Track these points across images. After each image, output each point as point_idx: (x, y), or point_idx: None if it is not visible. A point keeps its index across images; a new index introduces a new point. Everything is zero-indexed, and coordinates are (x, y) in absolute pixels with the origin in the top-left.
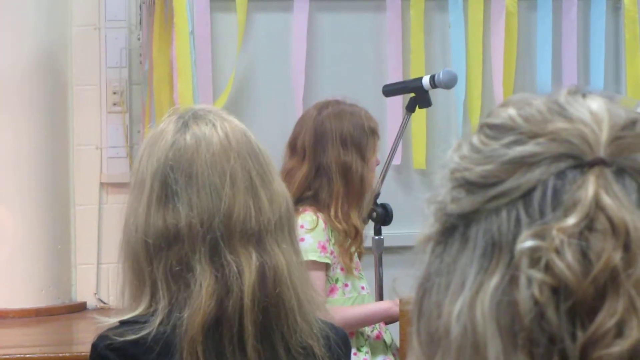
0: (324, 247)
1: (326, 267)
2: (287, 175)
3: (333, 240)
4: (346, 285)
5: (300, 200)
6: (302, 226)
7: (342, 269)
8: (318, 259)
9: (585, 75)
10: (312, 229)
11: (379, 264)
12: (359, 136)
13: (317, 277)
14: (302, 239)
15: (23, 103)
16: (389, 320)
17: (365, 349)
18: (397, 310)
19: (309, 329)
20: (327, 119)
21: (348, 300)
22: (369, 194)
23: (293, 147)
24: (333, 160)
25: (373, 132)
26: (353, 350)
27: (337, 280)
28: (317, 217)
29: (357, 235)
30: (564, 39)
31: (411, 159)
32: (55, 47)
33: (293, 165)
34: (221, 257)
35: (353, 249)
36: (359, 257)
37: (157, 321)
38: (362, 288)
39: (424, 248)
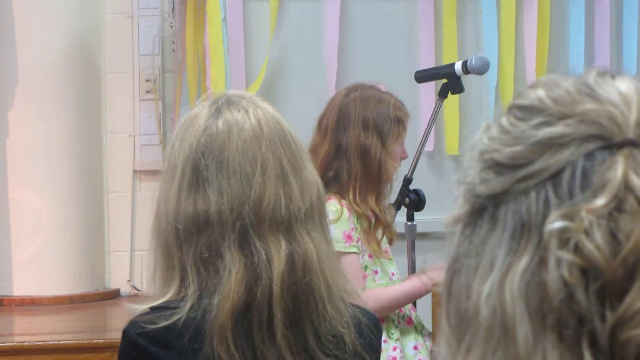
0: (349, 237)
1: (356, 254)
2: (312, 152)
3: (359, 228)
4: (376, 272)
5: (323, 183)
6: None
7: (369, 256)
8: (343, 249)
9: (618, 60)
10: (337, 219)
11: (412, 249)
12: (381, 122)
13: (348, 265)
14: None
15: (56, 91)
16: (418, 297)
17: (395, 336)
18: (423, 286)
19: (339, 317)
20: (353, 101)
21: (379, 287)
22: (389, 182)
23: (319, 123)
24: (352, 142)
25: (398, 122)
26: (383, 337)
27: (365, 267)
28: (342, 206)
29: (377, 219)
30: (596, 24)
31: (444, 145)
32: (88, 35)
33: (317, 142)
34: (250, 245)
35: (380, 233)
36: (390, 242)
37: (187, 307)
38: (392, 274)
39: (453, 229)
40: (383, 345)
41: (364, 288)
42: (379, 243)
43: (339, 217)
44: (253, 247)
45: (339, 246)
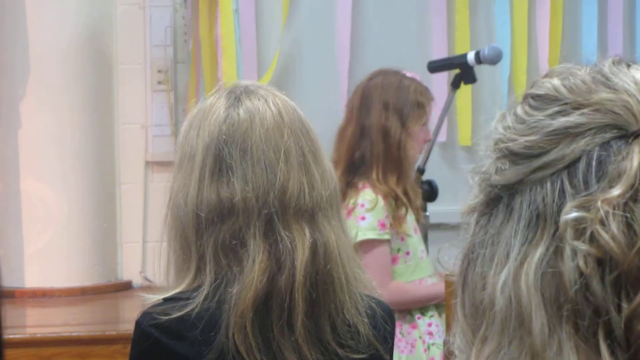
0: (383, 225)
1: (388, 242)
2: (341, 134)
3: (391, 213)
4: (407, 253)
5: (353, 168)
6: (362, 205)
7: (402, 239)
8: (378, 237)
9: (631, 49)
10: (372, 208)
11: (425, 240)
12: (401, 105)
13: (380, 253)
14: (363, 218)
15: (68, 82)
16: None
17: (430, 313)
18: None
19: (354, 307)
20: (375, 85)
21: (409, 268)
22: (410, 162)
23: (347, 108)
24: (375, 123)
25: (419, 105)
26: (417, 315)
27: (398, 249)
28: (377, 195)
29: (397, 198)
30: (609, 13)
31: (457, 135)
32: (100, 26)
33: (344, 125)
34: (275, 233)
35: (404, 211)
36: (417, 221)
37: (202, 297)
38: (422, 251)
39: (468, 219)
40: (418, 321)
41: (390, 278)
42: (402, 219)
43: (375, 205)
44: (278, 235)
45: (374, 233)
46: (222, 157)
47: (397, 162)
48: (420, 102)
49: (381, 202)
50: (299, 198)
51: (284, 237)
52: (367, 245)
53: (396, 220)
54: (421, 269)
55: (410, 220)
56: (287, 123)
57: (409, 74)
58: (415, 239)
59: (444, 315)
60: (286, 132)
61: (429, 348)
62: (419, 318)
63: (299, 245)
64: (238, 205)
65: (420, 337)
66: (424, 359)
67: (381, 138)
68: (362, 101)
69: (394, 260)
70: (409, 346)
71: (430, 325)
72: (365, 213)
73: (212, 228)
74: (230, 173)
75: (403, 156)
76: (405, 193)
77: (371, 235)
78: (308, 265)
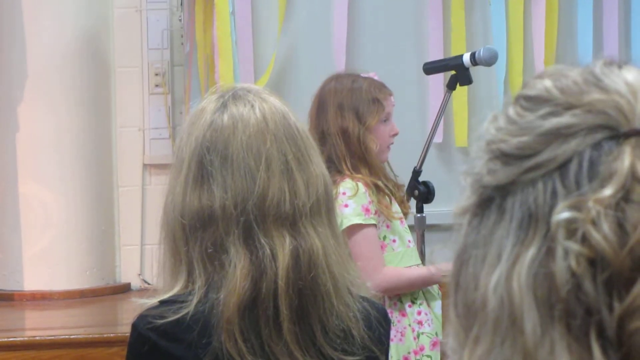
0: (367, 210)
1: (375, 226)
2: None
3: (375, 200)
4: (394, 240)
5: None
6: (344, 193)
7: (387, 226)
8: (363, 222)
9: (627, 50)
10: (354, 195)
11: (422, 241)
12: (356, 104)
13: (368, 237)
14: (346, 205)
15: (66, 85)
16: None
17: (419, 300)
18: (437, 273)
19: (347, 312)
20: (328, 92)
21: (397, 255)
22: (374, 156)
23: (308, 117)
24: (332, 126)
25: (375, 101)
26: (407, 303)
27: (384, 237)
28: (356, 182)
29: (377, 187)
30: (605, 13)
31: (453, 136)
32: (97, 29)
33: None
34: (255, 240)
35: (386, 199)
36: (405, 215)
37: (195, 301)
38: (409, 241)
39: (460, 220)
40: (408, 309)
41: (383, 262)
42: (387, 206)
43: (356, 192)
44: (257, 242)
45: (359, 219)
46: (204, 164)
47: (361, 157)
48: (375, 97)
49: (362, 188)
50: (279, 205)
51: (263, 244)
52: (354, 230)
53: (382, 206)
54: (409, 257)
55: (395, 210)
56: (271, 129)
57: (364, 75)
58: (401, 228)
59: (432, 304)
60: (269, 139)
61: (418, 337)
62: (409, 306)
63: (280, 253)
64: (217, 212)
65: (409, 325)
66: (413, 347)
67: (341, 138)
68: (319, 108)
69: (381, 248)
70: (398, 334)
71: (419, 313)
72: (348, 200)
73: (195, 235)
74: (210, 180)
75: (365, 151)
76: (384, 184)
77: (357, 220)
78: (290, 272)
